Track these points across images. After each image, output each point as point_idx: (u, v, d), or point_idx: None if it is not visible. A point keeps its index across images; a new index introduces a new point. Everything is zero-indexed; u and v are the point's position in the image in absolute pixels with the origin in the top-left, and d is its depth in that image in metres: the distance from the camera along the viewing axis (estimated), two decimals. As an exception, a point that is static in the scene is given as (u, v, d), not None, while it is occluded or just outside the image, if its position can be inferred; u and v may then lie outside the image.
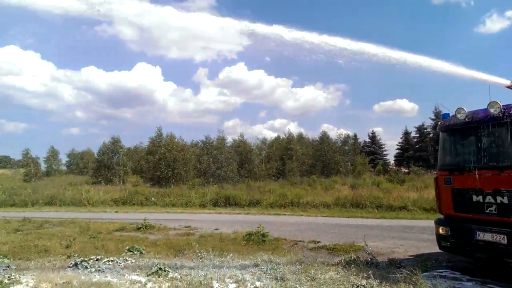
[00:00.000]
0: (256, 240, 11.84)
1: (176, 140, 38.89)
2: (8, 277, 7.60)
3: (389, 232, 13.56)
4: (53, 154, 49.67)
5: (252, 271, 7.74)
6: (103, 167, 40.01)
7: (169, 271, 7.58)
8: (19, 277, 7.65)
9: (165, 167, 35.56)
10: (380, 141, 61.33)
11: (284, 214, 20.16)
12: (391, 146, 79.70)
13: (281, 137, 51.23)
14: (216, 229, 14.56)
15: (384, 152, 60.85)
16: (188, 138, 45.01)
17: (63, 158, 52.14)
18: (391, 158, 60.40)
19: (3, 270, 8.61)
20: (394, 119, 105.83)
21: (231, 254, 9.22)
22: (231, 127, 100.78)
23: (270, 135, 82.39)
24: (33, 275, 8.01)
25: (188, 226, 15.60)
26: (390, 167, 53.85)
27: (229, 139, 45.19)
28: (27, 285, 7.20)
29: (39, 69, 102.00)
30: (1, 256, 10.30)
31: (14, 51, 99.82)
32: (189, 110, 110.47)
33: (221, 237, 12.78)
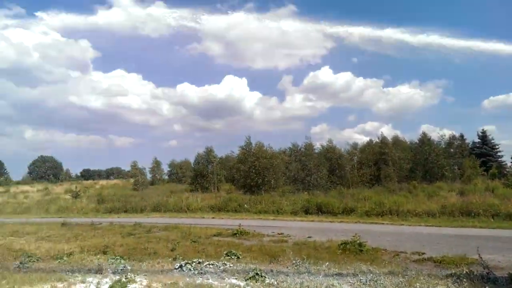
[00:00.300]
0: (353, 250, 11.43)
1: (264, 148, 39.84)
2: (125, 276, 8.61)
3: (509, 244, 11.87)
4: (156, 165, 55.33)
5: (350, 281, 7.49)
6: (199, 175, 42.87)
7: (265, 277, 7.77)
8: (134, 276, 8.61)
9: (256, 175, 36.62)
10: (493, 141, 54.11)
11: (382, 223, 19.07)
12: (507, 147, 69.68)
13: (374, 141, 48.67)
14: (309, 237, 14.46)
15: (499, 154, 53.53)
16: (276, 145, 45.56)
17: (165, 168, 57.50)
18: (507, 160, 52.88)
19: (120, 270, 9.79)
20: (510, 116, 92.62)
21: (327, 263, 9.05)
22: (318, 133, 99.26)
23: (362, 139, 78.98)
24: (145, 275, 8.95)
25: (281, 233, 15.79)
26: (507, 170, 47.09)
27: (317, 145, 44.62)
28: (141, 284, 8.06)
29: (141, 88, 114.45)
30: (118, 257, 11.76)
31: (121, 74, 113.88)
32: (276, 117, 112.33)
33: (315, 245, 12.64)
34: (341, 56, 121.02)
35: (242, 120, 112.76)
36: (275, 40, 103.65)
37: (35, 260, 11.85)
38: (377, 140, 47.29)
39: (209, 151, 45.08)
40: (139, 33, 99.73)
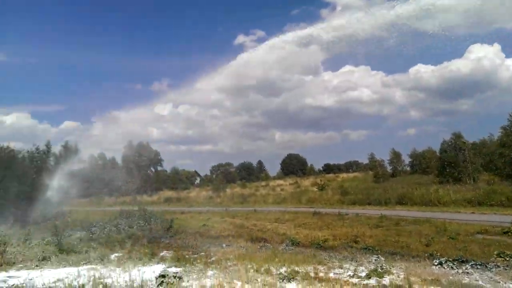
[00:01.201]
0: None
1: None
2: (381, 266, 8.81)
3: None
4: (395, 156, 53.73)
5: None
6: (448, 165, 38.67)
7: None
8: (389, 268, 8.68)
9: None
10: None
11: None
12: None
13: None
14: None
15: None
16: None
17: (406, 159, 55.05)
18: None
19: (374, 260, 10.09)
20: None
21: None
22: None
23: None
24: (401, 267, 8.86)
25: None
26: None
27: None
28: (397, 276, 8.04)
29: (370, 80, 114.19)
30: (370, 247, 12.18)
31: (348, 69, 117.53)
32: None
33: None
34: None
35: (497, 96, 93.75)
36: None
37: (296, 243, 13.92)
38: None
39: (457, 137, 39.99)
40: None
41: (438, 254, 9.77)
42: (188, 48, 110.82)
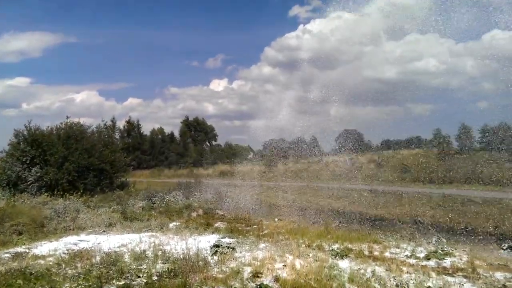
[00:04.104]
0: None
1: None
2: (441, 248, 8.40)
3: None
4: (464, 131, 49.97)
5: None
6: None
7: None
8: (451, 250, 8.25)
9: None
10: None
11: None
12: None
13: None
14: None
15: None
16: None
17: (476, 135, 51.04)
18: None
19: (435, 241, 9.64)
20: None
21: None
22: None
23: None
24: (464, 250, 8.39)
25: None
26: None
27: None
28: (460, 259, 7.63)
29: (438, 48, 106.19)
30: (430, 228, 11.66)
31: (414, 38, 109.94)
32: None
33: None
34: None
35: None
36: None
37: (351, 221, 13.72)
38: None
39: (537, 110, 36.31)
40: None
41: (508, 237, 9.07)
42: (242, 23, 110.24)
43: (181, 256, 6.98)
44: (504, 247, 8.17)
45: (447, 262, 7.41)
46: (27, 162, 19.45)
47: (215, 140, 67.38)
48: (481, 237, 9.60)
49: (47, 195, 16.46)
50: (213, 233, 10.67)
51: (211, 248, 8.15)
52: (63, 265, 7.05)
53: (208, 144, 66.90)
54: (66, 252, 8.20)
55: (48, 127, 22.22)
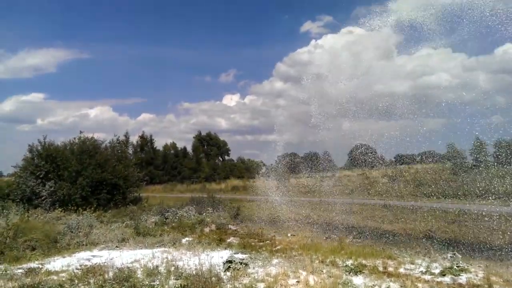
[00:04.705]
0: None
1: None
2: (457, 264, 8.25)
3: None
4: (479, 145, 49.46)
5: None
6: (541, 156, 34.71)
7: None
8: (467, 266, 8.11)
9: None
10: None
11: None
12: None
13: None
14: None
15: None
16: None
17: (490, 149, 50.41)
18: None
19: (450, 257, 9.48)
20: None
21: None
22: None
23: None
24: (480, 266, 8.23)
25: None
26: None
27: None
28: (476, 275, 7.49)
29: (450, 63, 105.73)
30: (446, 243, 11.48)
31: (426, 52, 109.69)
32: None
33: None
34: None
35: None
36: None
37: (365, 236, 13.57)
38: None
39: (553, 123, 35.69)
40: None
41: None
42: (254, 38, 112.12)
43: (194, 272, 7.02)
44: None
45: (463, 278, 7.28)
46: (41, 176, 19.80)
47: (228, 155, 67.66)
48: (497, 252, 9.40)
49: (61, 210, 16.70)
50: (225, 248, 10.69)
51: (224, 264, 8.17)
52: (76, 281, 7.15)
53: (221, 159, 67.15)
54: (79, 267, 8.32)
55: (62, 142, 22.70)
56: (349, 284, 6.83)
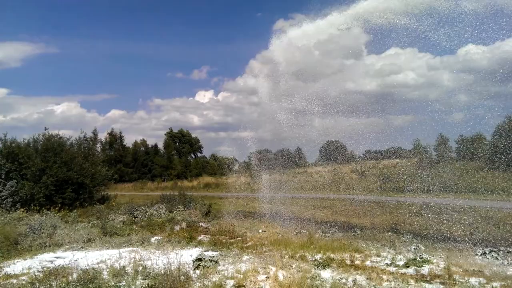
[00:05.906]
0: None
1: None
2: (420, 256, 8.56)
3: None
4: (441, 142, 51.46)
5: None
6: (501, 151, 36.57)
7: None
8: (429, 257, 8.42)
9: None
10: None
11: None
12: None
13: None
14: None
15: None
16: None
17: (452, 145, 52.59)
18: None
19: (414, 248, 9.83)
20: None
21: None
22: None
23: None
24: (441, 257, 8.57)
25: None
26: None
27: None
28: (437, 266, 7.79)
29: (416, 62, 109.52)
30: (409, 236, 11.87)
31: (394, 52, 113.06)
32: None
33: None
34: None
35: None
36: None
37: (333, 230, 13.82)
38: None
39: (510, 121, 37.69)
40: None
41: (483, 243, 9.31)
42: (227, 35, 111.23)
43: (162, 271, 6.91)
44: (479, 253, 8.39)
45: (425, 269, 7.55)
46: (2, 176, 18.90)
47: (200, 152, 67.00)
48: (458, 244, 9.82)
49: (23, 211, 16.00)
50: (196, 246, 10.59)
51: (194, 262, 8.09)
52: (37, 284, 6.87)
53: (193, 156, 66.46)
54: (41, 270, 8.00)
55: (25, 139, 21.73)
56: (317, 278, 6.93)
